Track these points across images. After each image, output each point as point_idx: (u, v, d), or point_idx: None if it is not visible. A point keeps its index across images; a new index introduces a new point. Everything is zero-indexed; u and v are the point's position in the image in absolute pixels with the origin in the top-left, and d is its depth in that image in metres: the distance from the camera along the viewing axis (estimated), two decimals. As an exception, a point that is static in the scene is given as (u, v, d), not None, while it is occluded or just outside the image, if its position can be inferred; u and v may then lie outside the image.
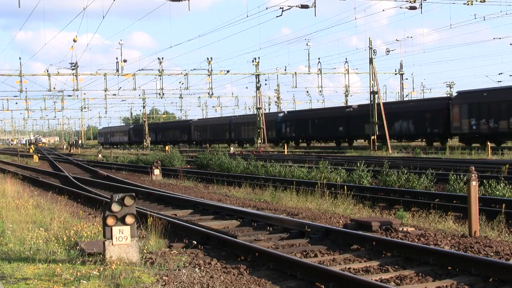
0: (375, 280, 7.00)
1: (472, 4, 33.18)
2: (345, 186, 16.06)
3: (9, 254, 8.54)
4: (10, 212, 12.25)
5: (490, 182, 14.59)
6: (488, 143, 34.57)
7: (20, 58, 56.24)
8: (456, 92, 48.18)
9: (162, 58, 57.48)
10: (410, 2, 33.76)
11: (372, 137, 44.15)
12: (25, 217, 11.64)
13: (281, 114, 65.87)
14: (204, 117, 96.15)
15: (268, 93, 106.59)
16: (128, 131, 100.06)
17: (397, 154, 36.05)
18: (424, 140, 48.28)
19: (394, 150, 40.13)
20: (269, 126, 62.50)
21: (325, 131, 56.91)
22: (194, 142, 79.26)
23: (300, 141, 61.37)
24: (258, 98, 61.70)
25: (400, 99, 65.73)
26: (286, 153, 45.47)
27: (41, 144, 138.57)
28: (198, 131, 79.91)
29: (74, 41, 46.02)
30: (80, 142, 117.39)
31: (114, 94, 68.90)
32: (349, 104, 69.27)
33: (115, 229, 7.68)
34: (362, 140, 57.22)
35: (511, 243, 9.08)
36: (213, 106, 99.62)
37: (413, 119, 45.99)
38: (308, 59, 59.56)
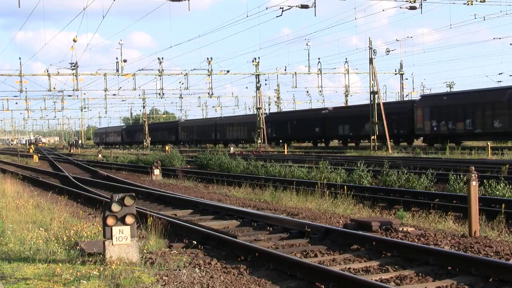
0: (375, 280, 7.00)
1: (472, 4, 33.17)
2: (345, 186, 16.06)
3: (9, 254, 8.54)
4: (10, 212, 12.25)
5: (490, 182, 14.59)
6: (489, 144, 34.65)
7: (20, 58, 56.22)
8: (420, 96, 51.76)
9: (162, 58, 57.53)
10: (410, 2, 33.75)
11: (372, 137, 44.20)
12: (25, 217, 11.64)
13: (264, 115, 67.05)
14: (191, 118, 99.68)
15: (268, 93, 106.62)
16: (121, 131, 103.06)
17: (397, 154, 36.07)
18: (391, 140, 50.18)
19: (394, 150, 40.16)
20: (253, 127, 64.88)
21: (303, 132, 59.83)
22: (181, 143, 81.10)
23: (281, 141, 62.91)
24: (258, 98, 61.76)
25: (400, 99, 65.82)
26: (286, 153, 45.49)
27: (41, 144, 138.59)
28: (185, 132, 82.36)
29: (74, 41, 46.00)
30: (80, 142, 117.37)
31: (114, 94, 68.96)
32: (349, 104, 69.64)
33: (115, 229, 7.68)
34: (336, 141, 60.63)
35: (511, 243, 9.08)
36: (213, 106, 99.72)
37: (382, 120, 48.00)
38: (308, 59, 59.62)
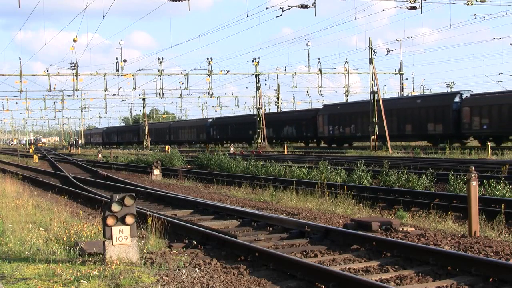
0: (375, 280, 7.00)
1: (472, 4, 33.14)
2: (345, 186, 16.05)
3: (9, 254, 8.53)
4: (10, 212, 12.25)
5: (490, 182, 14.59)
6: (489, 143, 34.80)
7: (20, 58, 56.27)
8: (322, 105, 63.84)
9: (162, 58, 57.54)
10: (410, 2, 33.73)
11: (372, 137, 44.20)
12: (25, 217, 11.64)
13: (210, 120, 79.28)
14: (152, 122, 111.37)
15: (268, 93, 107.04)
16: (102, 133, 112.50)
17: (397, 154, 36.05)
18: (303, 141, 61.65)
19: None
20: (201, 130, 77.23)
21: (239, 134, 69.99)
22: (143, 143, 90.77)
23: (224, 142, 73.05)
24: (258, 98, 61.78)
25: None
26: (286, 153, 45.50)
27: (41, 144, 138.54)
28: (145, 134, 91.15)
29: (74, 41, 45.95)
30: (80, 142, 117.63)
31: (114, 94, 68.98)
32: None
33: (115, 229, 7.68)
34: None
35: (511, 243, 9.08)
36: (213, 106, 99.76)
37: (295, 125, 59.91)
38: (308, 59, 59.63)
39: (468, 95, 43.37)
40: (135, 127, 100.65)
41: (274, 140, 64.63)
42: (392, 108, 47.00)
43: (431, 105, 44.54)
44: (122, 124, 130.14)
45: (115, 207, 7.64)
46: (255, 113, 78.46)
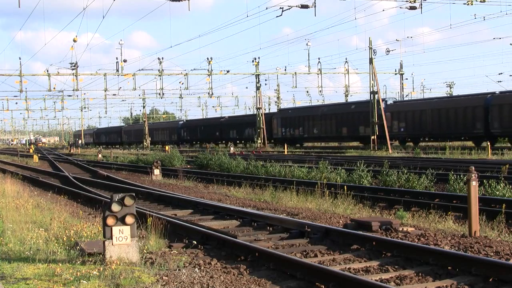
0: (375, 280, 7.00)
1: (472, 4, 33.14)
2: (345, 186, 16.04)
3: (9, 254, 8.53)
4: (10, 212, 12.25)
5: (490, 182, 14.57)
6: (488, 143, 34.86)
7: (20, 58, 56.42)
8: (277, 109, 71.85)
9: (162, 58, 57.57)
10: (410, 2, 33.73)
11: (372, 137, 44.21)
12: (25, 217, 11.64)
13: (181, 122, 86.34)
14: (132, 124, 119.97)
15: (268, 93, 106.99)
16: (93, 134, 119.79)
17: (397, 154, 36.08)
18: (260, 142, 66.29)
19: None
20: (173, 131, 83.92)
21: (207, 135, 76.11)
22: (124, 144, 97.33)
23: (194, 142, 79.97)
24: (258, 98, 61.81)
25: (400, 99, 65.97)
26: (286, 153, 45.52)
27: (41, 144, 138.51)
28: (126, 135, 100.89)
29: (74, 41, 45.94)
30: (80, 142, 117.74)
31: (114, 94, 68.96)
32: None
33: (115, 229, 7.68)
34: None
35: (511, 243, 9.08)
36: (213, 106, 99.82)
37: (254, 127, 63.93)
38: (308, 59, 59.62)
39: (392, 102, 50.28)
40: (118, 128, 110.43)
41: (238, 141, 70.30)
42: (332, 113, 55.04)
43: (362, 111, 49.37)
44: (122, 124, 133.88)
45: (115, 207, 7.64)
46: (220, 116, 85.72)
